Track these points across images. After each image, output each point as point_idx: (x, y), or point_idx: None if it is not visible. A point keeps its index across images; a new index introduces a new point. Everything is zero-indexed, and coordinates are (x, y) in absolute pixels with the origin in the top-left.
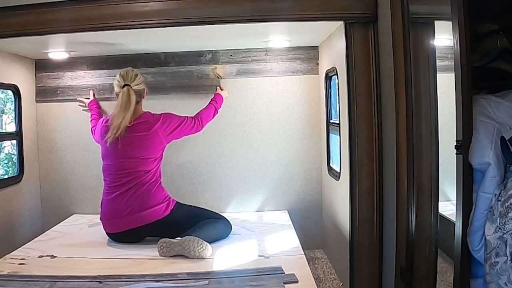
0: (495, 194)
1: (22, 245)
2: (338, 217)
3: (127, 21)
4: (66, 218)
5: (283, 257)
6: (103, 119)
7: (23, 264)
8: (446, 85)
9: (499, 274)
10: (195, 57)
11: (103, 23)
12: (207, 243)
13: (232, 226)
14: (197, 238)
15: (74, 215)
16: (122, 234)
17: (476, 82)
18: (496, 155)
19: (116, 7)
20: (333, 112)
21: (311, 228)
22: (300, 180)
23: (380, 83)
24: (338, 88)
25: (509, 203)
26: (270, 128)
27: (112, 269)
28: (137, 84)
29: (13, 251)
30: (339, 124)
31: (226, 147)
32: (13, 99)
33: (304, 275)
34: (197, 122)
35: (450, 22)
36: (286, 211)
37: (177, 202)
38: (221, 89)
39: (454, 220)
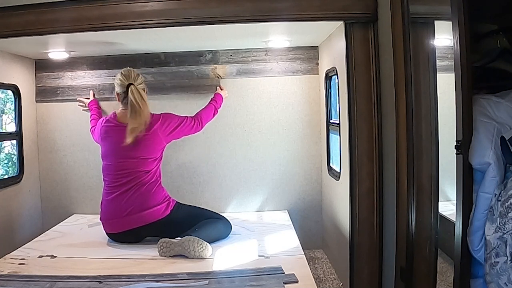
0: (495, 194)
1: (22, 245)
2: (338, 217)
3: (127, 21)
4: (66, 218)
5: (283, 257)
6: (103, 119)
7: (23, 264)
8: (446, 85)
9: (499, 274)
10: (195, 57)
11: (103, 23)
12: (207, 243)
13: (232, 226)
14: (197, 238)
15: (74, 215)
16: (122, 234)
17: (476, 82)
18: (496, 155)
19: (116, 7)
20: (333, 112)
21: (311, 228)
22: (300, 180)
23: (380, 83)
24: (338, 88)
25: (509, 203)
26: (270, 128)
27: (112, 269)
28: (140, 84)
29: (13, 251)
30: (339, 124)
31: (226, 147)
32: (13, 99)
33: (304, 275)
34: (197, 122)
35: (450, 22)
36: (286, 211)
37: (177, 202)
38: (221, 89)
39: (454, 220)
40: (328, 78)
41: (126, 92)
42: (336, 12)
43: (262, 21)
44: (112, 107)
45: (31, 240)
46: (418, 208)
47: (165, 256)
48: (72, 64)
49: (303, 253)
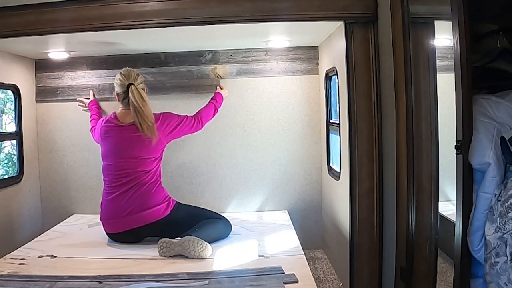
0: (495, 194)
1: (22, 245)
2: (338, 217)
3: (127, 21)
4: (66, 218)
5: (283, 257)
6: (103, 119)
7: (23, 264)
8: (446, 85)
9: (499, 274)
10: (195, 57)
11: (103, 23)
12: (207, 243)
13: (232, 226)
14: (197, 238)
15: (74, 215)
16: (122, 234)
17: (476, 82)
18: (496, 155)
19: (116, 7)
20: (333, 112)
21: (311, 228)
22: (300, 180)
23: (380, 83)
24: (338, 88)
25: (509, 203)
26: (270, 128)
27: (112, 269)
28: (140, 84)
29: (13, 251)
30: (339, 124)
31: (226, 147)
32: (13, 99)
33: (304, 275)
34: (197, 121)
35: (450, 22)
36: (286, 211)
37: (177, 202)
38: (221, 89)
39: (454, 220)
40: (328, 78)
41: (126, 92)
42: (336, 12)
43: (262, 21)
44: (112, 107)
45: (31, 240)
46: (418, 208)
47: (165, 256)
48: (72, 64)
49: (303, 253)
